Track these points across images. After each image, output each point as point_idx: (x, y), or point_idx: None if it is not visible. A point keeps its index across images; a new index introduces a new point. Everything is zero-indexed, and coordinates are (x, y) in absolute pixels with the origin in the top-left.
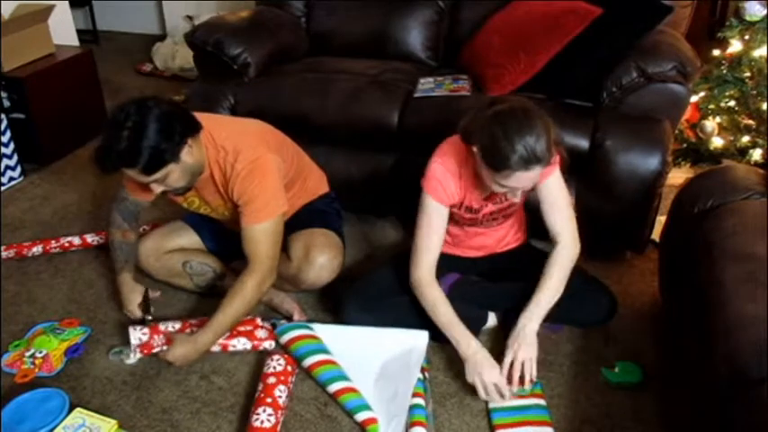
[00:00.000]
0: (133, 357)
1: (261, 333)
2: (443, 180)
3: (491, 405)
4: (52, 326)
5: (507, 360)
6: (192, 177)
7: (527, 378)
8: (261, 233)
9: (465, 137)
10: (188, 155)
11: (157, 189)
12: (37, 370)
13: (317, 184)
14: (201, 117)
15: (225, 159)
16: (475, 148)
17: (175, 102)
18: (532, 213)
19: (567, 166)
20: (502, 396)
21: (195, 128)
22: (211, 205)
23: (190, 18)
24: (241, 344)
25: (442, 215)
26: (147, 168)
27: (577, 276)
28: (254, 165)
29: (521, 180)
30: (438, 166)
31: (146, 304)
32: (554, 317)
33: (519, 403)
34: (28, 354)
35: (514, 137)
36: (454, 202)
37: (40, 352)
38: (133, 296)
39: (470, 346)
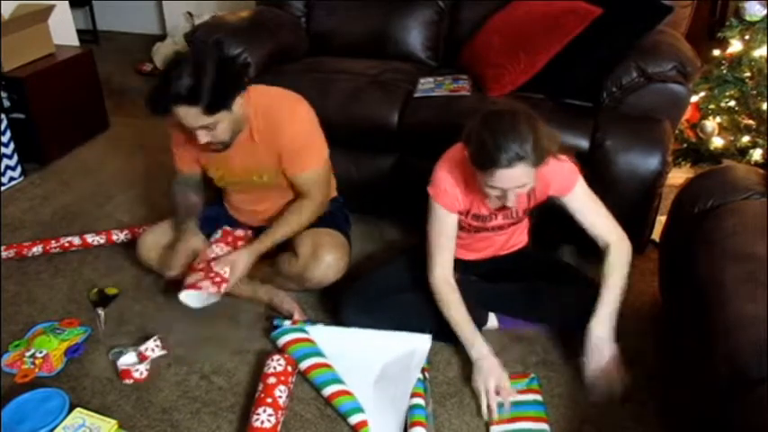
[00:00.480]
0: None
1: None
2: (448, 188)
3: None
4: (52, 326)
5: (592, 367)
6: (234, 133)
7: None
8: (313, 178)
9: (464, 142)
10: (239, 105)
11: (203, 138)
12: (37, 370)
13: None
14: (253, 87)
15: (267, 115)
16: (467, 153)
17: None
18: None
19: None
20: (500, 406)
21: (244, 81)
22: (241, 170)
23: (190, 15)
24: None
25: (452, 220)
26: (208, 107)
27: (571, 279)
28: (294, 113)
29: (505, 179)
30: (443, 174)
31: (102, 297)
32: (545, 319)
33: (515, 399)
34: (28, 354)
35: (498, 136)
36: (461, 209)
37: (40, 352)
38: (194, 241)
39: (480, 351)
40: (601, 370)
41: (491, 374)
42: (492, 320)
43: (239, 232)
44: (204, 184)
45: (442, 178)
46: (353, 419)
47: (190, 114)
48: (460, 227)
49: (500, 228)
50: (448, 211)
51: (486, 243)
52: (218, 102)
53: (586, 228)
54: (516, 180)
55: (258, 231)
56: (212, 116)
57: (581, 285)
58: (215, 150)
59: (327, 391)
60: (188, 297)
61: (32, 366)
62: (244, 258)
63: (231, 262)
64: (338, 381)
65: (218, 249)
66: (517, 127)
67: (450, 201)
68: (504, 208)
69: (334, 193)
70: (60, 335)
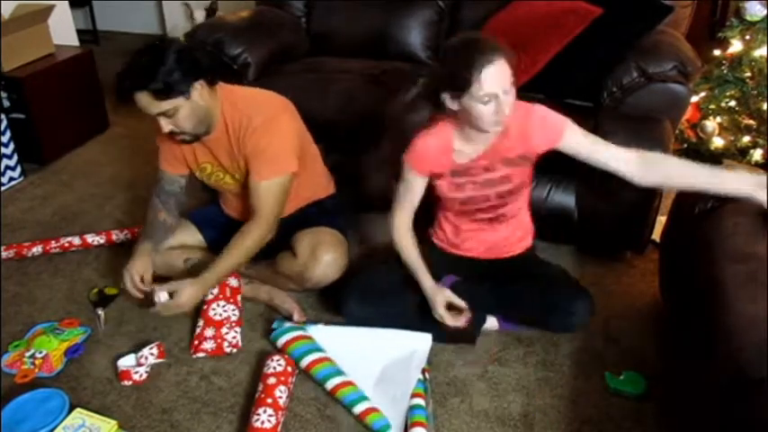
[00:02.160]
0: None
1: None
2: (422, 151)
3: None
4: (52, 326)
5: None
6: (198, 123)
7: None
8: (267, 190)
9: (430, 99)
10: (199, 96)
11: (166, 126)
12: (37, 370)
13: (326, 182)
14: (229, 86)
15: (243, 113)
16: (444, 95)
17: (208, 49)
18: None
19: (567, 167)
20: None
21: (212, 74)
22: (225, 167)
23: (188, 6)
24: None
25: (421, 183)
26: (157, 92)
27: (554, 280)
28: (270, 122)
29: (494, 78)
30: (419, 141)
31: (102, 297)
32: (524, 320)
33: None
34: (28, 354)
35: (463, 48)
36: (436, 170)
37: (40, 352)
38: (138, 263)
39: (427, 283)
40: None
41: (437, 297)
42: (492, 321)
43: (233, 282)
44: (201, 186)
45: (417, 144)
46: (360, 408)
47: (144, 100)
48: (447, 207)
49: (486, 199)
50: (418, 173)
51: (480, 237)
52: (168, 87)
53: (600, 163)
54: (502, 78)
55: None
56: (166, 101)
57: (555, 286)
58: (183, 142)
59: (330, 384)
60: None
61: (32, 367)
62: (189, 290)
63: (175, 291)
64: (340, 373)
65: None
66: (478, 35)
67: (424, 164)
68: (486, 157)
69: (332, 191)
70: (60, 335)
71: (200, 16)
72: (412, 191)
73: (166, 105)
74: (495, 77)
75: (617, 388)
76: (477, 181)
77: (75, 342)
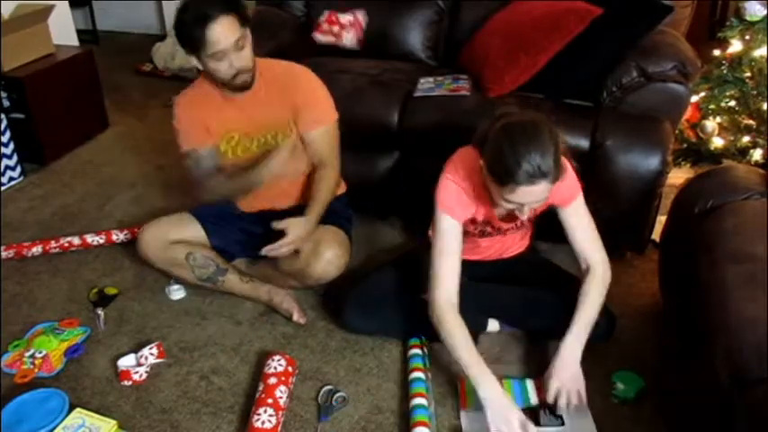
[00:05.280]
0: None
1: None
2: (456, 196)
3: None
4: (52, 326)
5: (553, 389)
6: (252, 65)
7: (572, 404)
8: (326, 134)
9: (478, 147)
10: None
11: (236, 62)
12: (37, 370)
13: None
14: None
15: (279, 66)
16: (482, 162)
17: None
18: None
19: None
20: None
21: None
22: (256, 131)
23: None
24: None
25: (458, 233)
26: (243, 17)
27: (571, 290)
28: (308, 72)
29: (526, 195)
30: (449, 183)
31: (102, 297)
32: (540, 329)
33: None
34: (28, 354)
35: (521, 150)
36: (469, 218)
37: (40, 352)
38: None
39: (492, 389)
40: (564, 387)
41: (510, 415)
42: (493, 324)
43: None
44: None
45: (449, 184)
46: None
47: (229, 25)
48: (465, 232)
49: (503, 233)
50: (455, 220)
51: (488, 247)
52: (245, 12)
53: (574, 244)
54: (536, 196)
55: (269, 216)
56: (244, 27)
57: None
58: (241, 87)
59: None
60: None
61: (32, 366)
62: (302, 224)
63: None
64: None
65: None
66: (540, 141)
67: (459, 210)
68: (512, 218)
69: (342, 189)
70: (60, 335)
71: None
72: (451, 244)
73: (243, 32)
74: (527, 196)
75: (616, 385)
76: (500, 229)
77: (75, 342)
